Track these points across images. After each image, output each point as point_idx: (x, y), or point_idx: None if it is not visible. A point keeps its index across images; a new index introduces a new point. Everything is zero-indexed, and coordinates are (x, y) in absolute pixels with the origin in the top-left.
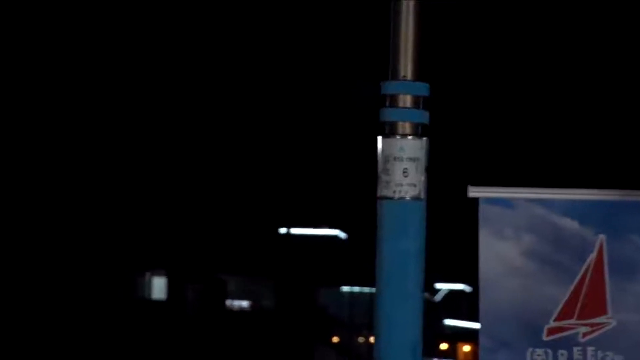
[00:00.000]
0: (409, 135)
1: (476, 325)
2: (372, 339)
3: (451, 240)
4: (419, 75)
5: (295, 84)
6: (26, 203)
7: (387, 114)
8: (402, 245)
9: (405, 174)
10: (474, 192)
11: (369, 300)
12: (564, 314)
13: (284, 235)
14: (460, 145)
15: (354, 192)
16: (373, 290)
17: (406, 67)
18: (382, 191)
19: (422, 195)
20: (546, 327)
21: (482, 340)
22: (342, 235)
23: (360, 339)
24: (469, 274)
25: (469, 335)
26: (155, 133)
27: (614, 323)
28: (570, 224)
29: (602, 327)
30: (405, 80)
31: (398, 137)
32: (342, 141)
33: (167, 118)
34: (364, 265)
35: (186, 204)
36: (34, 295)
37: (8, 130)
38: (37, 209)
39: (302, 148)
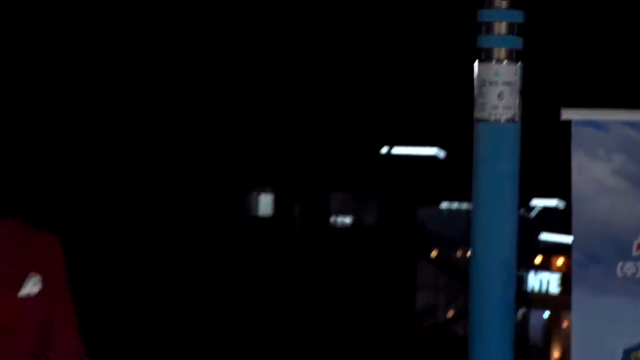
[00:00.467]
0: (504, 60)
1: (569, 239)
2: (468, 254)
3: (546, 160)
4: (513, 3)
5: (396, 12)
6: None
7: (483, 41)
8: (497, 166)
9: (500, 98)
10: (567, 114)
11: (467, 217)
12: None
13: (385, 154)
14: (554, 69)
15: (453, 114)
16: (470, 207)
17: None
18: (478, 113)
19: (517, 118)
20: (635, 242)
21: (575, 254)
22: (441, 154)
23: (458, 254)
24: (563, 191)
25: (562, 249)
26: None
27: None
28: None
29: None
30: (501, 8)
31: (493, 62)
32: (445, 63)
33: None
34: (462, 183)
35: (293, 127)
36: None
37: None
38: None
39: (406, 74)
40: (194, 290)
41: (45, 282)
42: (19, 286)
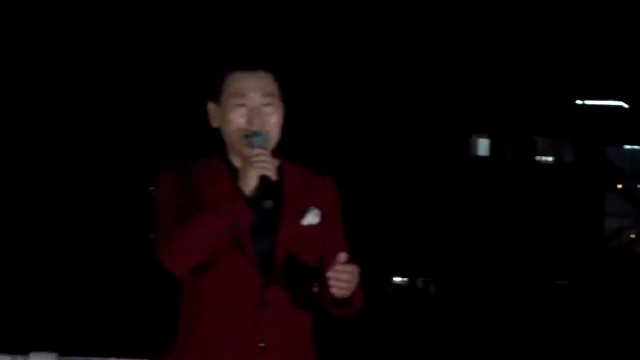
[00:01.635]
0: None
1: None
2: None
3: None
4: None
5: None
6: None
7: None
8: None
9: None
10: None
11: None
12: None
13: (579, 105)
14: None
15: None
16: None
17: None
18: None
19: None
20: None
21: None
22: (625, 105)
23: (639, 186)
24: None
25: None
26: None
27: None
28: None
29: None
30: None
31: None
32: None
33: None
34: None
35: (507, 82)
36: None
37: None
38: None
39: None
40: (426, 215)
41: (323, 216)
42: (302, 217)
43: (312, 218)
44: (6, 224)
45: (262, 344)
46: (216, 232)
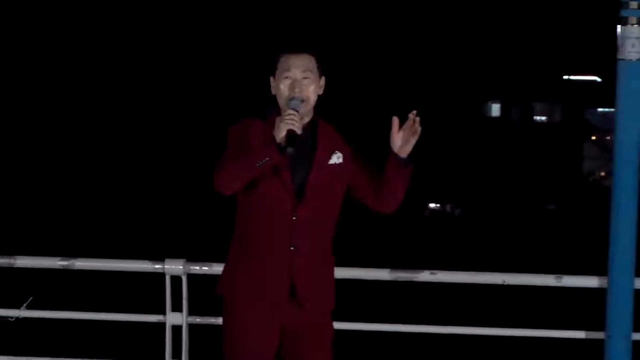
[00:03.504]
0: None
1: None
2: None
3: None
4: None
5: None
6: None
7: None
8: None
9: None
10: None
11: None
12: None
13: (565, 79)
14: None
15: None
16: None
17: None
18: None
19: None
20: None
21: None
22: (598, 79)
23: (608, 138)
24: None
25: None
26: None
27: None
28: None
29: None
30: None
31: None
32: None
33: None
34: None
35: (511, 62)
36: None
37: None
38: None
39: None
40: None
41: (344, 158)
42: (330, 158)
43: (336, 159)
44: None
45: (293, 247)
46: (251, 165)
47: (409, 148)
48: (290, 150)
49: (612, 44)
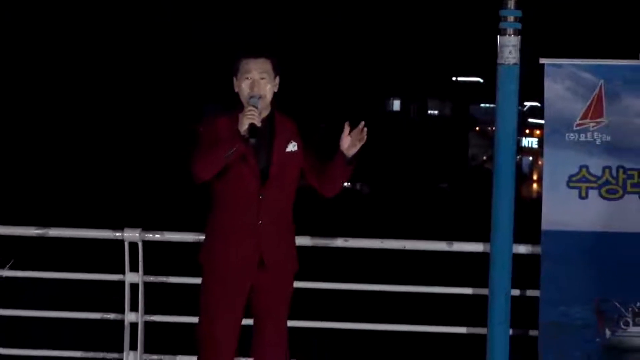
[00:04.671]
0: None
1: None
2: None
3: None
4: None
5: None
6: None
7: None
8: None
9: None
10: None
11: None
12: None
13: (454, 80)
14: None
15: None
16: None
17: None
18: None
19: None
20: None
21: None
22: (481, 80)
23: (489, 129)
24: None
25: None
26: None
27: None
28: None
29: None
30: None
31: None
32: None
33: None
34: None
35: (410, 66)
36: None
37: None
38: None
39: None
40: None
41: (299, 147)
42: (287, 146)
43: (292, 147)
44: None
45: (260, 222)
46: (221, 155)
47: (354, 150)
48: (252, 140)
49: (493, 50)
